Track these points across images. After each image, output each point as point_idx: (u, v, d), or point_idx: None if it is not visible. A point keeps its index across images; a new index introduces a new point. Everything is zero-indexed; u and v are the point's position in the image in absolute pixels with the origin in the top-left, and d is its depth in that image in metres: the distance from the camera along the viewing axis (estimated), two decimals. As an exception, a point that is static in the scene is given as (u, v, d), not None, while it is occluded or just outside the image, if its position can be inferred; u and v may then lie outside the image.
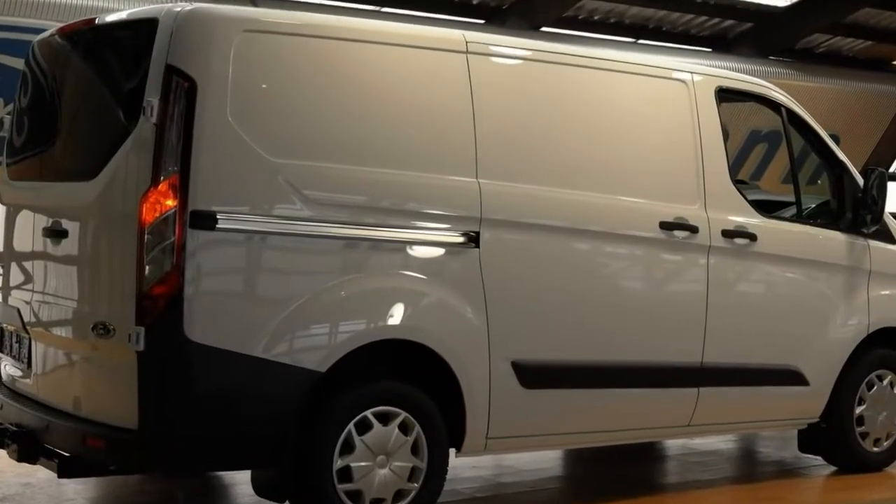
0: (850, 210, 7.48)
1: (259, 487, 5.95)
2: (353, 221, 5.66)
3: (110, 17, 6.04)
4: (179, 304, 5.23)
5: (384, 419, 5.72)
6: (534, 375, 6.17)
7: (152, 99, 5.30)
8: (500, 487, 7.24)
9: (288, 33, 5.64)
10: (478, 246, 5.99)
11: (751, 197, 7.28)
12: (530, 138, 6.28)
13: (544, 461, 7.80)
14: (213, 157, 5.32)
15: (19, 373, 6.19)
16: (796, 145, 7.51)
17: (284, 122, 5.54)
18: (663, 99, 6.84)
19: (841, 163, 7.54)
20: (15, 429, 5.87)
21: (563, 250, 6.31)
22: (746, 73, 7.91)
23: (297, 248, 5.55)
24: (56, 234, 5.81)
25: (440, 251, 5.92)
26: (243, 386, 5.40)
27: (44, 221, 5.94)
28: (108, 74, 5.94)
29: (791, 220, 7.39)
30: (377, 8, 14.71)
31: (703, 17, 17.25)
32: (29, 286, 6.10)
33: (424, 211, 5.88)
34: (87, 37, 6.11)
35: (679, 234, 6.68)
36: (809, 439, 7.68)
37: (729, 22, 17.54)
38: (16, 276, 6.24)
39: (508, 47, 6.43)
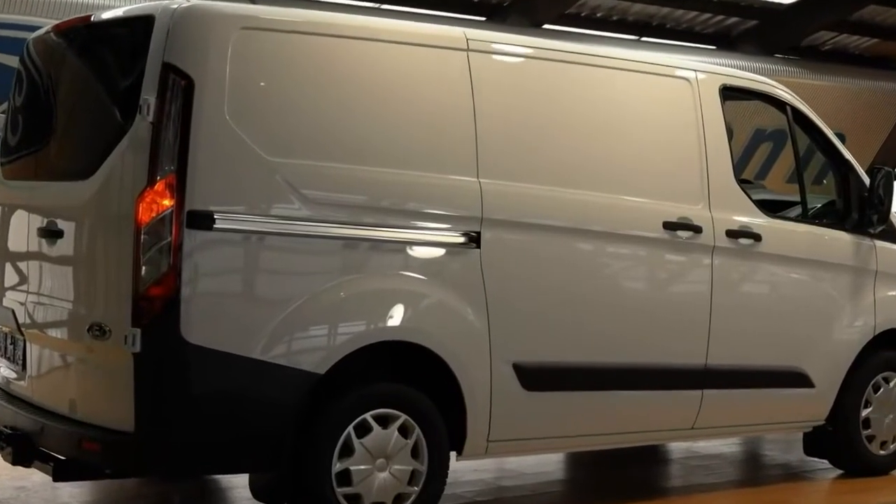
0: (857, 210, 7.48)
1: (257, 491, 5.95)
2: (353, 221, 5.66)
3: (106, 15, 6.04)
4: (176, 306, 5.23)
5: (384, 422, 5.72)
6: (535, 377, 6.17)
7: (149, 97, 5.30)
8: (502, 491, 7.24)
9: (286, 30, 5.64)
10: (479, 246, 5.99)
11: (755, 196, 7.28)
12: (532, 137, 6.28)
13: (546, 464, 7.81)
14: (210, 157, 5.32)
15: (14, 375, 6.18)
16: (801, 144, 7.51)
17: (283, 121, 5.54)
18: (667, 97, 6.83)
19: (847, 162, 7.54)
20: (9, 431, 5.86)
21: (566, 250, 6.31)
22: (751, 71, 7.91)
23: (296, 249, 5.55)
24: (51, 234, 5.80)
25: (440, 252, 5.92)
26: (241, 388, 5.40)
27: (39, 221, 5.94)
28: (104, 72, 5.93)
29: (796, 220, 7.39)
30: (377, 5, 14.73)
31: (707, 15, 17.26)
32: (24, 287, 6.10)
33: (425, 211, 5.88)
34: (83, 34, 6.11)
35: (683, 234, 6.68)
36: (815, 442, 7.68)
37: (733, 19, 17.55)
38: (10, 277, 6.23)
39: (510, 45, 6.42)
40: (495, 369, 6.01)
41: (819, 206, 7.79)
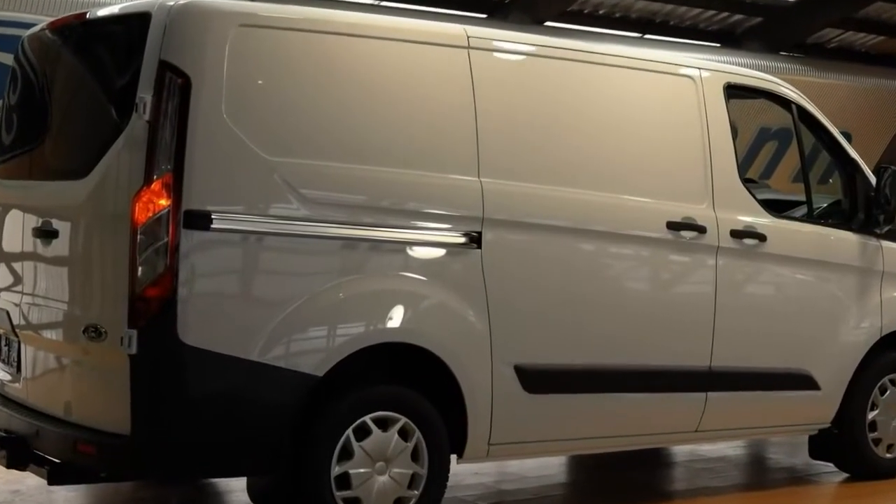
0: (863, 210, 7.48)
1: (255, 495, 5.96)
2: (352, 221, 5.66)
3: (102, 12, 6.03)
4: (173, 307, 5.23)
5: (383, 425, 5.72)
6: (537, 379, 6.17)
7: (145, 95, 5.30)
8: (503, 495, 7.24)
9: (285, 28, 5.64)
10: (480, 246, 5.99)
11: (760, 196, 7.29)
12: (533, 136, 6.28)
13: (548, 468, 7.81)
14: (207, 156, 5.32)
15: (8, 377, 6.19)
16: (807, 143, 7.51)
17: (281, 120, 5.54)
18: (670, 95, 6.84)
19: (853, 161, 7.54)
20: (4, 434, 5.88)
21: (568, 251, 6.31)
22: (756, 69, 7.92)
23: (294, 249, 5.55)
24: (46, 234, 5.80)
25: (441, 252, 5.92)
26: (239, 390, 5.40)
27: (33, 221, 5.94)
28: (100, 70, 5.93)
29: (802, 220, 7.40)
30: (376, 2, 14.72)
31: (712, 12, 17.24)
32: (18, 288, 6.10)
33: (425, 211, 5.88)
34: (78, 31, 6.11)
35: (686, 234, 6.68)
36: (820, 445, 7.68)
37: (738, 16, 17.54)
38: (5, 278, 6.23)
39: (511, 42, 6.43)
40: (496, 371, 6.01)
41: (825, 205, 7.79)
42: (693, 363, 6.76)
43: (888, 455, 7.69)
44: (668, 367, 6.67)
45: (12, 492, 6.65)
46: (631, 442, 6.91)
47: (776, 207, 7.39)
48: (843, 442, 7.56)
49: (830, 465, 7.80)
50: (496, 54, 6.28)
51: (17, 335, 6.06)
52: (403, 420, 5.76)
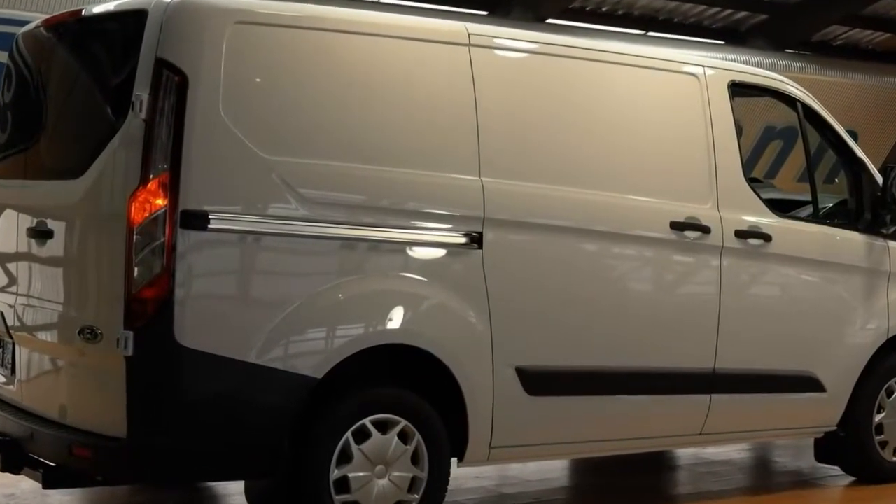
0: (869, 210, 7.49)
1: (253, 498, 5.96)
2: (351, 221, 5.66)
3: (97, 9, 6.03)
4: (170, 308, 5.23)
5: (383, 427, 5.72)
6: (539, 382, 6.17)
7: (141, 94, 5.30)
8: (504, 499, 7.24)
9: (283, 25, 5.64)
10: (481, 247, 5.99)
11: (765, 196, 7.28)
12: (535, 135, 6.28)
13: (550, 471, 7.81)
14: (204, 155, 5.32)
15: (2, 379, 6.19)
16: (813, 142, 7.51)
17: (279, 118, 5.54)
18: (674, 94, 6.84)
19: (859, 160, 7.54)
20: (-2, 437, 5.88)
21: (570, 251, 6.31)
22: (760, 67, 7.92)
23: (293, 249, 5.55)
24: (41, 234, 5.81)
25: (441, 252, 5.92)
26: (236, 393, 5.40)
27: (28, 221, 5.94)
28: (96, 68, 5.94)
29: (807, 219, 7.40)
30: (376, -2, 14.72)
31: (716, 9, 17.24)
32: (13, 289, 6.10)
33: (425, 210, 5.88)
34: (74, 29, 6.11)
35: (690, 234, 6.68)
36: (826, 448, 7.68)
37: (742, 13, 17.53)
38: (-1, 279, 6.24)
39: (512, 40, 6.43)
40: (497, 373, 6.01)
41: (831, 205, 7.79)
42: (697, 365, 6.76)
43: (895, 458, 7.69)
44: (671, 369, 6.67)
45: (7, 496, 6.65)
46: (634, 445, 6.91)
47: (781, 207, 7.39)
48: (849, 445, 7.55)
49: (836, 468, 7.80)
50: (497, 52, 6.28)
51: (11, 337, 6.06)
52: (403, 423, 5.76)
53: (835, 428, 7.48)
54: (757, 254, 6.95)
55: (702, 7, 17.15)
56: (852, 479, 7.76)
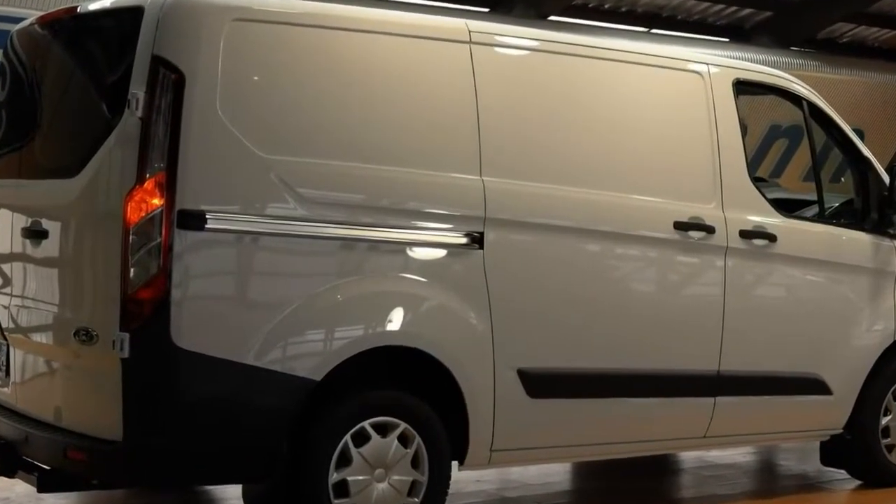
0: (876, 209, 7.48)
1: (251, 502, 5.95)
2: (350, 221, 5.66)
3: (93, 5, 6.03)
4: (166, 309, 5.23)
5: (383, 430, 5.72)
6: (541, 384, 6.17)
7: (137, 92, 5.30)
8: (506, 502, 7.24)
9: (281, 22, 5.64)
10: (482, 247, 5.99)
11: (770, 195, 7.29)
12: (537, 133, 6.28)
13: (552, 474, 7.80)
14: (201, 154, 5.32)
15: (-3, 381, 6.19)
16: (818, 141, 7.50)
17: (277, 117, 5.54)
18: (678, 92, 6.84)
19: (866, 159, 7.54)
20: (-8, 440, 5.87)
21: (572, 252, 6.31)
22: (765, 65, 7.92)
23: (291, 250, 5.55)
24: (36, 234, 5.80)
25: (442, 253, 5.92)
26: (234, 395, 5.40)
27: (23, 221, 5.94)
28: (91, 66, 5.94)
29: (813, 219, 7.39)
30: (375, -5, 14.71)
31: (720, 6, 17.23)
32: (7, 290, 6.10)
33: (425, 210, 5.88)
34: (69, 26, 6.11)
35: (694, 234, 6.68)
36: (832, 452, 7.68)
37: (747, 10, 17.53)
38: (-7, 279, 6.24)
39: (514, 37, 6.43)
40: (499, 375, 6.01)
41: (836, 205, 7.78)
42: (701, 367, 6.76)
43: (902, 462, 7.70)
44: (675, 370, 6.67)
45: (2, 500, 6.65)
46: (637, 448, 6.91)
47: (787, 207, 7.40)
48: (855, 448, 7.55)
49: (842, 471, 7.80)
50: (499, 49, 6.28)
51: (5, 338, 6.06)
52: (403, 426, 5.76)
53: (841, 431, 7.48)
54: (762, 254, 6.95)
55: (706, 4, 17.15)
56: (859, 482, 7.76)
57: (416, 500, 5.82)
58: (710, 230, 6.72)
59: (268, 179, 5.47)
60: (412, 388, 5.86)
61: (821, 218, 7.44)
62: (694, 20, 17.51)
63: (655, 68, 6.79)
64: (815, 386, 7.21)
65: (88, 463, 5.43)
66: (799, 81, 7.50)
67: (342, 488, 5.62)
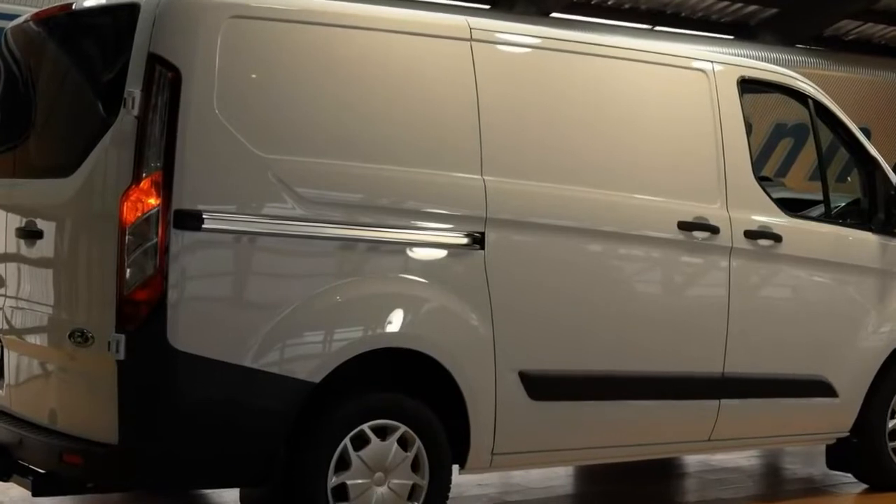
0: (883, 209, 7.48)
1: (248, 506, 5.95)
2: (349, 221, 5.66)
3: (89, 2, 6.03)
4: (163, 310, 5.23)
5: (382, 433, 5.72)
6: (543, 386, 6.17)
7: (133, 90, 5.29)
8: (507, 506, 7.25)
9: (279, 19, 5.63)
10: (483, 247, 5.98)
11: (775, 195, 7.28)
12: (538, 132, 6.28)
13: (554, 478, 7.81)
14: (198, 153, 5.32)
15: (-9, 383, 6.19)
16: (824, 139, 7.51)
17: (275, 115, 5.54)
18: (682, 90, 6.84)
19: (872, 158, 7.54)
20: (-14, 444, 5.87)
21: (574, 252, 6.31)
22: (771, 62, 7.91)
23: (289, 250, 5.54)
24: (30, 234, 5.80)
25: (442, 253, 5.91)
26: (231, 397, 5.39)
27: (17, 221, 5.94)
28: (87, 64, 5.94)
29: (819, 219, 7.39)
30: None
31: (725, 3, 17.25)
32: (1, 291, 6.09)
33: (425, 210, 5.88)
34: (64, 23, 6.11)
35: (699, 234, 6.68)
36: (839, 455, 7.68)
37: (752, 7, 17.54)
38: (-13, 280, 6.24)
39: (515, 34, 6.42)
40: (500, 378, 6.01)
41: (843, 205, 7.78)
42: (705, 369, 6.76)
43: (909, 465, 7.69)
44: (679, 373, 6.67)
45: (-5, 503, 6.65)
46: (640, 452, 6.91)
47: (792, 207, 7.39)
48: (862, 451, 7.55)
49: (849, 475, 7.80)
50: (500, 47, 6.28)
51: None
52: (403, 428, 5.75)
53: (847, 434, 7.48)
54: (767, 255, 6.95)
55: (710, 1, 17.16)
56: (865, 486, 7.76)
57: (417, 504, 5.83)
58: (714, 230, 6.72)
59: (266, 179, 5.47)
60: (412, 391, 5.86)
61: (827, 218, 7.44)
62: (698, 17, 17.53)
63: (659, 66, 6.79)
64: (820, 388, 7.21)
65: (84, 466, 5.43)
66: (805, 79, 7.50)
67: (341, 492, 5.62)
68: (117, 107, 5.34)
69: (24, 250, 5.89)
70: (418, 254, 5.85)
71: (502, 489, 7.52)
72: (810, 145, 7.90)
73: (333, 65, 5.74)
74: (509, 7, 15.35)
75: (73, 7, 6.04)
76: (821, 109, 7.44)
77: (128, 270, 5.23)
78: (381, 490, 5.70)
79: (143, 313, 5.24)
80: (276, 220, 5.48)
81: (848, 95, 15.06)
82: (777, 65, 7.74)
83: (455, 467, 6.04)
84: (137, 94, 5.28)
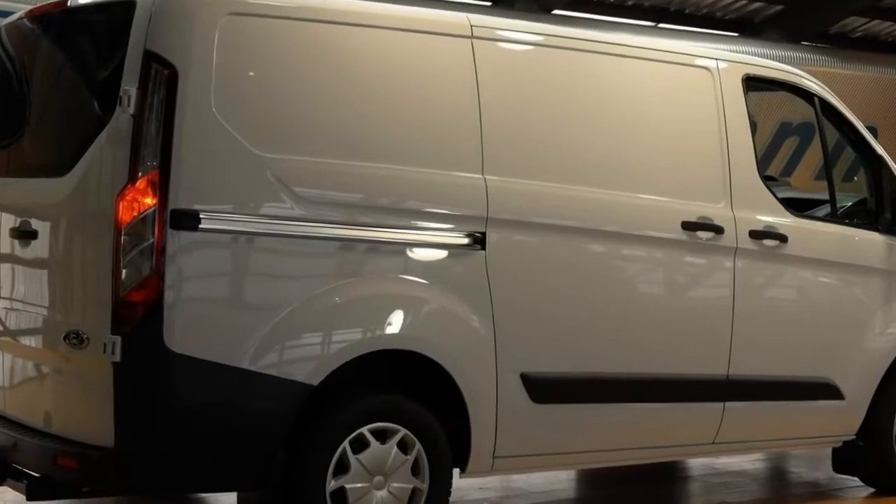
0: (889, 209, 7.48)
1: (246, 510, 5.95)
2: (349, 221, 5.65)
3: (84, -1, 6.04)
4: (159, 312, 5.22)
5: (382, 436, 5.71)
6: (544, 389, 6.17)
7: (129, 88, 5.29)
8: (508, 510, 7.25)
9: (277, 16, 5.63)
10: (484, 248, 5.98)
11: (781, 195, 7.28)
12: (540, 131, 6.27)
13: (556, 482, 7.81)
14: (195, 152, 5.31)
15: (-15, 386, 6.18)
16: (830, 138, 7.50)
17: (273, 114, 5.53)
18: (686, 88, 6.83)
19: (879, 157, 7.53)
20: (-20, 447, 5.87)
21: (577, 253, 6.31)
22: (776, 60, 7.91)
23: (288, 251, 5.54)
24: (25, 235, 5.80)
25: (443, 254, 5.91)
26: (228, 400, 5.39)
27: (11, 221, 5.94)
28: (82, 61, 5.94)
29: (825, 219, 7.39)
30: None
31: (729, -1, 17.28)
32: (-5, 292, 6.10)
33: (426, 210, 5.87)
34: (59, 20, 6.11)
35: (703, 234, 6.68)
36: (845, 458, 7.68)
37: (757, 4, 17.55)
38: (-19, 281, 6.23)
39: (517, 32, 6.42)
40: (501, 380, 6.01)
41: (849, 204, 7.78)
42: (710, 371, 6.75)
43: (917, 469, 7.69)
44: (683, 375, 6.66)
45: (-11, 507, 6.65)
46: (644, 455, 6.90)
47: (798, 206, 7.39)
48: (868, 455, 7.55)
49: (855, 479, 7.79)
50: (501, 44, 6.28)
51: (-6, 341, 6.06)
52: (403, 431, 5.75)
53: (853, 437, 7.47)
54: (772, 255, 6.95)
55: (715, -3, 17.18)
56: (871, 490, 7.76)
57: (416, 508, 5.82)
58: (718, 230, 6.71)
59: (264, 178, 5.46)
60: (412, 393, 5.85)
61: (833, 218, 7.43)
62: (702, 14, 17.53)
63: (663, 64, 6.79)
64: (826, 391, 7.20)
65: (79, 470, 5.43)
66: (810, 77, 7.50)
67: (340, 496, 5.61)
68: (113, 105, 5.34)
69: (19, 251, 5.89)
70: (418, 254, 5.84)
71: (503, 493, 7.51)
72: (816, 144, 7.88)
73: (332, 62, 5.73)
74: (511, 4, 15.36)
75: (69, 4, 6.03)
76: (827, 108, 7.44)
77: (123, 271, 5.22)
78: (381, 494, 5.70)
79: (139, 315, 5.23)
80: (274, 220, 5.48)
81: (854, 93, 15.07)
82: (782, 62, 7.75)
83: (456, 471, 6.04)
84: (133, 92, 5.28)
